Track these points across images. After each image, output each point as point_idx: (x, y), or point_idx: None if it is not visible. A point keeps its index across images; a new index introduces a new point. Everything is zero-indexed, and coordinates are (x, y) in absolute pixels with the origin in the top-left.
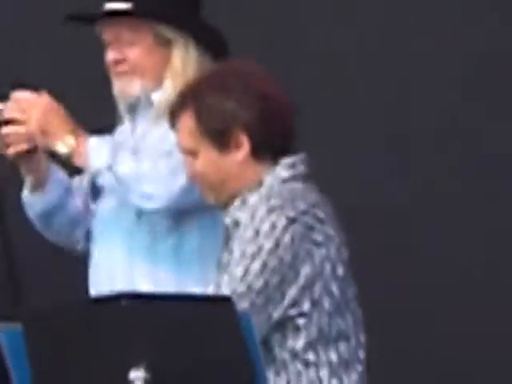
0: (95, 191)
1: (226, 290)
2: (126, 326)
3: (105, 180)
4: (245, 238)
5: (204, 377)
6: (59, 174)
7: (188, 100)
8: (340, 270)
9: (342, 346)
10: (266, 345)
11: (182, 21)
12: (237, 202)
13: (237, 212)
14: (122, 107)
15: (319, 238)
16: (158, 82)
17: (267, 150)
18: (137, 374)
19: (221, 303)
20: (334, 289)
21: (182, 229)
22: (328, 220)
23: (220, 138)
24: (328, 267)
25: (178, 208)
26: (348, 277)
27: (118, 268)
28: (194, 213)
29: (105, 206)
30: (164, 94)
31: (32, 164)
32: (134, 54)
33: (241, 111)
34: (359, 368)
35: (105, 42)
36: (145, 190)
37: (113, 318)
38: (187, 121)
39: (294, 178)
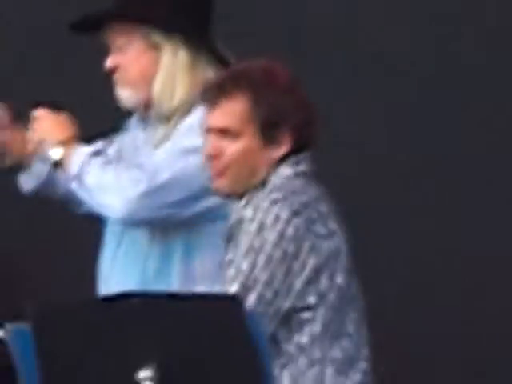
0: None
1: (233, 284)
2: (135, 326)
3: (73, 187)
4: (250, 231)
5: (212, 376)
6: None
7: (243, 83)
8: (345, 263)
9: (346, 343)
10: (274, 339)
11: (170, 25)
12: (242, 202)
13: (242, 210)
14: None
15: (322, 230)
16: (150, 89)
17: (296, 153)
18: (145, 374)
19: (228, 301)
20: (340, 281)
21: (193, 249)
22: (330, 214)
23: (269, 131)
24: (333, 260)
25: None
26: (352, 271)
27: (130, 281)
28: (206, 234)
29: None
30: (156, 104)
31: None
32: (124, 60)
33: (294, 111)
34: (363, 365)
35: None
36: (103, 200)
37: (122, 317)
38: (240, 104)
39: (296, 175)
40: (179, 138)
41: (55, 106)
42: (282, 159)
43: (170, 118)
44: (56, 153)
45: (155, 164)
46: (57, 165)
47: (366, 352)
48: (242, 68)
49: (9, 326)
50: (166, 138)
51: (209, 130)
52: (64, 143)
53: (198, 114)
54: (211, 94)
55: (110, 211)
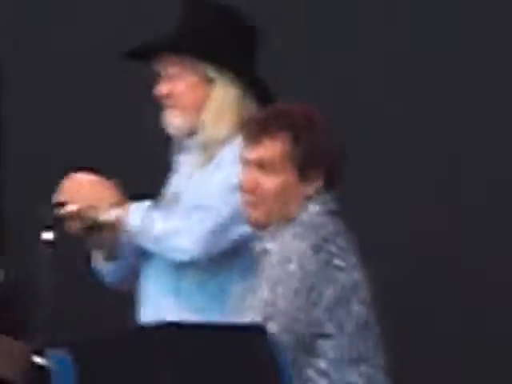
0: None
1: (256, 313)
2: (171, 352)
3: (139, 241)
4: (272, 263)
5: None
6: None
7: (285, 125)
8: (362, 294)
9: (363, 368)
10: (295, 364)
11: (225, 61)
12: (269, 233)
13: (267, 242)
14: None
15: (340, 264)
16: (198, 118)
17: (326, 191)
18: None
19: (255, 331)
20: (356, 311)
21: (224, 273)
22: (349, 248)
23: (305, 169)
24: (350, 291)
25: (210, 255)
26: (369, 300)
27: (165, 307)
28: (234, 258)
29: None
30: (202, 132)
31: (99, 239)
32: (178, 88)
33: (327, 153)
34: None
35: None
36: (173, 244)
37: (158, 346)
38: (281, 143)
39: (323, 213)
40: (227, 173)
41: (92, 170)
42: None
43: (211, 147)
44: (111, 216)
45: (212, 203)
46: (110, 228)
47: (381, 377)
48: (285, 110)
49: (50, 352)
50: (204, 164)
51: (247, 163)
52: (116, 205)
53: (237, 147)
54: (254, 130)
55: (181, 254)
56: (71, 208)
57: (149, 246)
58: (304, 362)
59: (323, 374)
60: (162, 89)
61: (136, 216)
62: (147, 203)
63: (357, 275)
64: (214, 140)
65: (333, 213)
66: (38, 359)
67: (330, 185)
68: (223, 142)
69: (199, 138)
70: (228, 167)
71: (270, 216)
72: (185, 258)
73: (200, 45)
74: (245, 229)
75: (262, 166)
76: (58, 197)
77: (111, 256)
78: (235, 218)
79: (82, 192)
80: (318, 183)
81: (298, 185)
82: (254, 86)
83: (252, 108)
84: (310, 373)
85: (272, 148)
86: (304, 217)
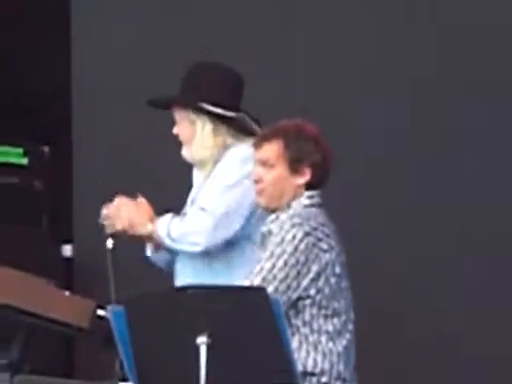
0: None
1: (257, 277)
2: (195, 307)
3: (167, 244)
4: (274, 242)
5: (247, 342)
6: None
7: (279, 134)
8: (337, 269)
9: (336, 321)
10: (286, 316)
11: (201, 109)
12: (272, 217)
13: (271, 224)
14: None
15: (325, 246)
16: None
17: (314, 185)
18: (202, 340)
19: (258, 292)
20: (333, 281)
21: (232, 256)
22: (331, 235)
23: (294, 165)
24: (329, 267)
25: (216, 245)
26: (343, 273)
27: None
28: (240, 248)
29: None
30: (193, 155)
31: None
32: (179, 130)
33: (313, 153)
34: (348, 336)
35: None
36: (189, 241)
37: (186, 301)
38: (277, 146)
39: (311, 205)
40: (220, 179)
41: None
42: (304, 188)
43: (205, 165)
44: (147, 230)
45: (209, 206)
46: (149, 237)
47: (350, 327)
48: (280, 124)
49: (110, 308)
50: (206, 178)
51: (255, 163)
52: (150, 220)
53: (225, 161)
54: (258, 140)
55: (194, 248)
56: (117, 228)
57: (173, 246)
58: (293, 315)
59: (306, 323)
60: (174, 130)
61: (162, 227)
62: (169, 215)
63: (335, 255)
64: (202, 161)
65: (318, 205)
66: (100, 312)
67: (317, 182)
68: (212, 161)
69: (196, 161)
70: (219, 177)
71: (271, 200)
72: (198, 250)
73: (187, 100)
74: (241, 220)
75: (263, 163)
76: (104, 221)
77: (157, 248)
78: (230, 215)
79: (123, 214)
80: (306, 176)
81: (290, 177)
82: (227, 121)
83: (227, 138)
84: (297, 322)
85: (269, 150)
86: (297, 207)
